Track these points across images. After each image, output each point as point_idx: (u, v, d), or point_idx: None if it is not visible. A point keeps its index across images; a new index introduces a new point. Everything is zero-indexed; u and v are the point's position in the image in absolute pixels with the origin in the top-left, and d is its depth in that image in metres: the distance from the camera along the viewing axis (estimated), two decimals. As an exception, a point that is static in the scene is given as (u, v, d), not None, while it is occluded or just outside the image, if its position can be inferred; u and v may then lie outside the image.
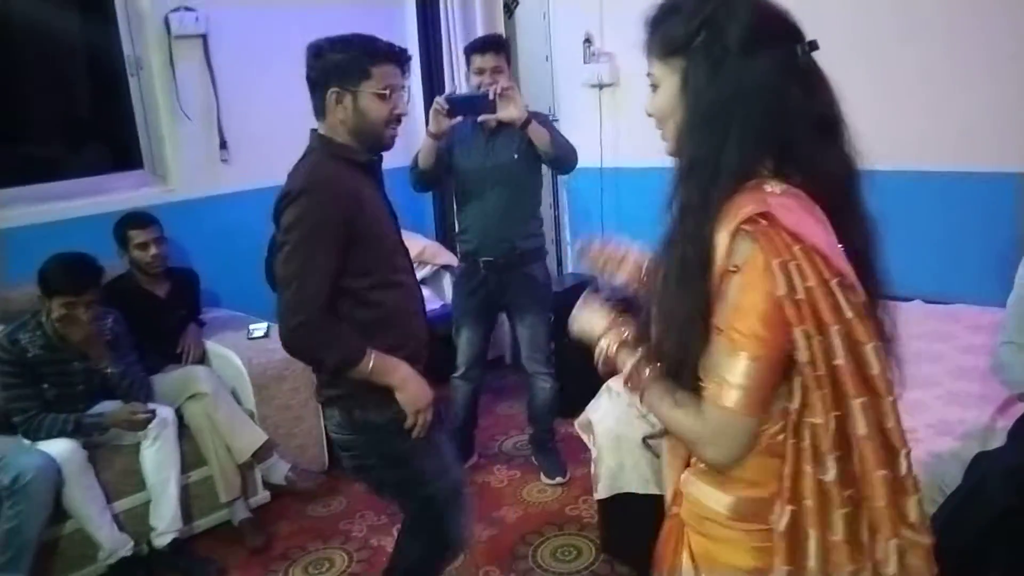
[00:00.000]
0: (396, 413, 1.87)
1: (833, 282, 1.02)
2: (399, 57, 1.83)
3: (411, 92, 1.89)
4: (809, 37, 1.09)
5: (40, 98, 3.65)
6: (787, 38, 1.07)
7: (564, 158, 3.04)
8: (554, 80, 4.10)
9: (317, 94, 1.83)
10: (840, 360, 1.02)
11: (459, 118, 2.90)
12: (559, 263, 4.27)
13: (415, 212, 4.31)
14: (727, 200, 1.05)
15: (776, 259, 1.01)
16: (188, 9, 3.53)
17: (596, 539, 2.81)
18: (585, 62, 3.88)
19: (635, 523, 2.73)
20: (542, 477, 3.30)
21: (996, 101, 2.85)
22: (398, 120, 1.85)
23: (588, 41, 3.85)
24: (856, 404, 1.03)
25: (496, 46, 3.06)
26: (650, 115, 1.17)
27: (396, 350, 1.87)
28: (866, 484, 1.05)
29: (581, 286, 3.89)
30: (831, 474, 1.05)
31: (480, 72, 2.98)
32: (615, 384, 2.57)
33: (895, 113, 2.98)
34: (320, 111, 1.84)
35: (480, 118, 2.93)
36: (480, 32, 3.95)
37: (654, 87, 1.15)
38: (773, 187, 1.07)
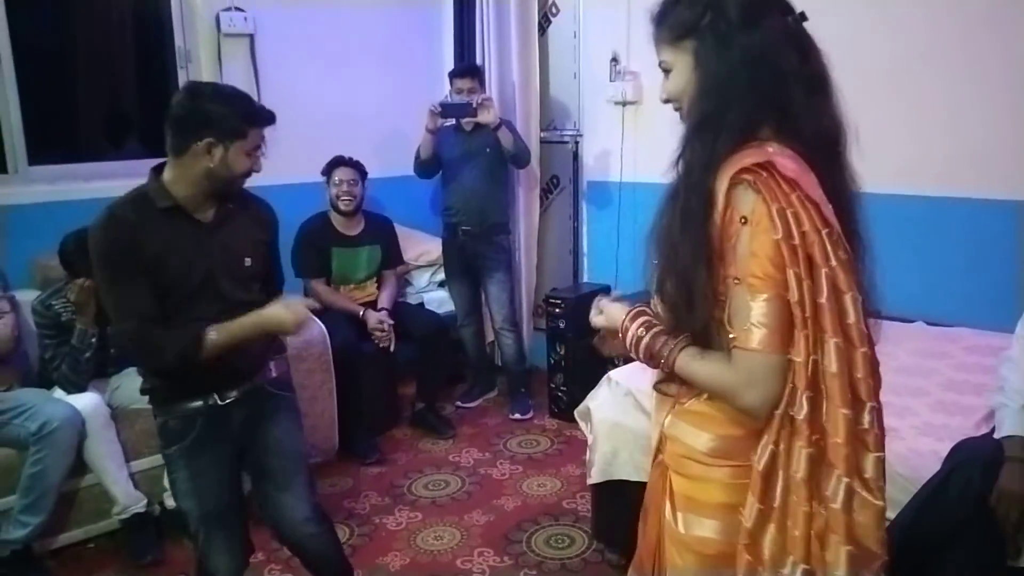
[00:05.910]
0: (163, 422, 1.99)
1: (824, 232, 1.13)
2: (269, 121, 1.95)
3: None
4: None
5: (93, 83, 3.87)
6: (779, 10, 1.21)
7: (521, 157, 3.89)
8: (581, 96, 4.24)
9: (184, 136, 1.82)
10: (823, 299, 1.12)
11: (452, 120, 3.84)
12: (575, 273, 4.38)
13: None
14: (729, 155, 1.16)
15: (775, 205, 1.12)
16: (238, 9, 3.76)
17: (589, 529, 2.88)
18: (611, 80, 4.01)
19: (626, 510, 2.80)
20: (508, 415, 4.03)
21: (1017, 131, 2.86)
22: (250, 174, 1.96)
23: (615, 60, 3.98)
24: (832, 343, 1.12)
25: (472, 72, 3.91)
26: (666, 100, 1.30)
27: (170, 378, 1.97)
28: (829, 420, 1.13)
29: (594, 294, 4.01)
30: (803, 413, 1.13)
31: (460, 91, 3.82)
32: (615, 375, 2.66)
33: (918, 141, 3.04)
34: (179, 151, 1.84)
35: (464, 120, 3.81)
36: (515, 52, 4.14)
37: (667, 72, 1.28)
38: (773, 148, 1.18)
